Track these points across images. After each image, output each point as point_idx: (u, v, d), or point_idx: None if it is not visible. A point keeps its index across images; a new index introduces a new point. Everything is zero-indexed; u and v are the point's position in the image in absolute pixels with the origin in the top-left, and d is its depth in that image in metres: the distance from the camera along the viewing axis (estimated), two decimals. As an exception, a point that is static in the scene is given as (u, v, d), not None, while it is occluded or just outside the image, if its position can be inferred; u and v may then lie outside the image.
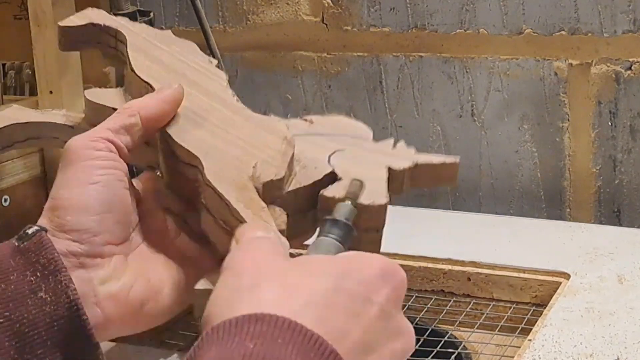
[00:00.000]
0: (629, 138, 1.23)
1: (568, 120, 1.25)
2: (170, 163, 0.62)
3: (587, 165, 1.25)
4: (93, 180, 0.59)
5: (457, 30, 1.29)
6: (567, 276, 0.99)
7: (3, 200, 1.22)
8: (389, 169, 0.63)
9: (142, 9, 1.37)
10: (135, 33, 0.71)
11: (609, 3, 1.20)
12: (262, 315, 0.44)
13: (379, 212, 0.58)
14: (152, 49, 0.70)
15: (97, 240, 0.59)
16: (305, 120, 0.68)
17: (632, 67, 1.21)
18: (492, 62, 1.28)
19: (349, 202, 0.58)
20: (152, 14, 1.36)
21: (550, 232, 1.11)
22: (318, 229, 0.56)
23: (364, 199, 0.58)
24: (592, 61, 1.23)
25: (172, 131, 0.61)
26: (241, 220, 0.55)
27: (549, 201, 1.28)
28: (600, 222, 1.26)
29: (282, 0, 1.37)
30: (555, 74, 1.25)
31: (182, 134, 0.60)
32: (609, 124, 1.23)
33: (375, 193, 0.59)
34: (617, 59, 1.21)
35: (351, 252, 0.52)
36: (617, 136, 1.23)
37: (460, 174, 1.32)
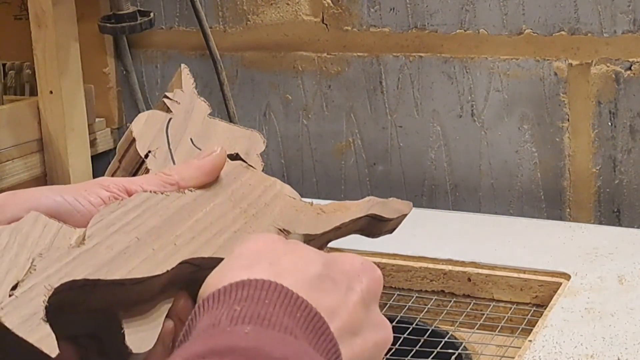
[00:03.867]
0: (629, 138, 1.23)
1: (568, 120, 1.25)
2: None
3: (587, 165, 1.26)
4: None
5: (457, 31, 1.29)
6: (567, 277, 0.99)
7: (3, 200, 1.21)
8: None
9: (142, 9, 1.37)
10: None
11: (609, 3, 1.20)
12: (249, 280, 0.46)
13: None
14: None
15: None
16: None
17: (632, 67, 1.21)
18: (492, 62, 1.28)
19: None
20: (152, 14, 1.36)
21: (550, 232, 1.11)
22: None
23: None
24: (592, 61, 1.23)
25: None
26: None
27: (549, 201, 1.28)
28: (600, 222, 1.26)
29: (282, 1, 1.37)
30: (555, 74, 1.25)
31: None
32: (609, 124, 1.23)
33: None
34: (617, 59, 1.21)
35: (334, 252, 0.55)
36: (617, 136, 1.23)
37: (460, 174, 1.33)
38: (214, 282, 0.48)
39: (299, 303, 0.46)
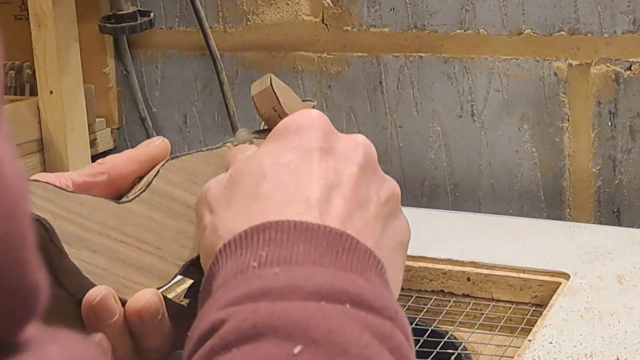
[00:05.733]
0: (629, 138, 1.23)
1: (568, 120, 1.25)
2: None
3: (587, 165, 1.26)
4: None
5: (457, 31, 1.29)
6: (566, 276, 0.99)
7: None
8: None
9: (142, 9, 1.37)
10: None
11: (609, 3, 1.20)
12: (269, 223, 0.46)
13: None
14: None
15: None
16: None
17: (632, 68, 1.21)
18: (492, 62, 1.28)
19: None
20: (152, 14, 1.36)
21: (550, 232, 1.11)
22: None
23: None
24: (591, 61, 1.23)
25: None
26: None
27: (549, 201, 1.28)
28: (600, 222, 1.26)
29: (282, 1, 1.37)
30: (555, 74, 1.25)
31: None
32: (609, 124, 1.23)
33: None
34: (617, 59, 1.21)
35: None
36: (616, 136, 1.23)
37: (460, 173, 1.33)
38: (231, 222, 0.49)
39: (321, 233, 0.46)
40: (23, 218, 0.32)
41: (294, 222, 0.46)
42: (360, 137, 0.54)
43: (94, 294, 0.51)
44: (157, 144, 0.61)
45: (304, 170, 0.50)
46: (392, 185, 0.53)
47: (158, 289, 0.55)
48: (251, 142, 0.60)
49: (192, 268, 0.57)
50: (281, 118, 0.64)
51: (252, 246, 0.46)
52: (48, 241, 0.50)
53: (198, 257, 0.55)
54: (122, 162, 0.60)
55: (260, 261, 0.45)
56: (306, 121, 0.52)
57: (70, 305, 0.52)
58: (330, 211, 0.48)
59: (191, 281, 0.60)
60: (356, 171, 0.51)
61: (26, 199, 0.32)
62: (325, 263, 0.45)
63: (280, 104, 0.64)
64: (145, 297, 0.53)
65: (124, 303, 0.52)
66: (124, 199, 0.57)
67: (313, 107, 0.67)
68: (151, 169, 0.59)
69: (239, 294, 0.43)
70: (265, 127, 0.65)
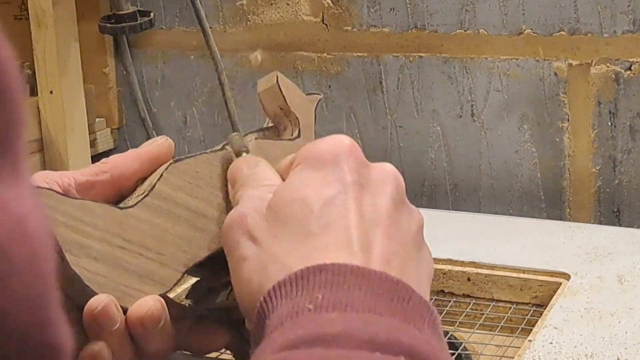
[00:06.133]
0: (629, 138, 1.23)
1: (568, 120, 1.25)
2: None
3: (587, 165, 1.26)
4: None
5: (457, 31, 1.29)
6: (567, 276, 0.99)
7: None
8: None
9: (142, 9, 1.37)
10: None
11: (609, 3, 1.20)
12: (325, 265, 0.46)
13: None
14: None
15: None
16: None
17: (632, 67, 1.21)
18: (492, 62, 1.28)
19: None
20: (152, 14, 1.36)
21: (550, 232, 1.11)
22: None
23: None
24: (591, 61, 1.23)
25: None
26: None
27: (549, 201, 1.28)
28: (600, 222, 1.26)
29: (282, 1, 1.37)
30: (555, 74, 1.25)
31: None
32: (609, 124, 1.23)
33: None
34: (617, 59, 1.21)
35: None
36: (616, 136, 1.23)
37: (460, 174, 1.33)
38: (283, 260, 0.48)
39: (377, 279, 0.46)
40: (47, 276, 0.31)
41: (351, 267, 0.47)
42: (389, 167, 0.54)
43: (95, 303, 0.51)
44: (160, 143, 0.60)
45: (347, 207, 0.50)
46: (418, 216, 0.54)
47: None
48: (246, 149, 0.59)
49: (195, 268, 0.57)
50: (287, 116, 0.64)
51: (307, 287, 0.46)
52: None
53: (203, 258, 0.55)
54: (125, 161, 0.59)
55: (316, 304, 0.45)
56: (340, 149, 0.52)
57: (71, 313, 0.52)
58: (375, 251, 0.49)
59: (193, 280, 0.60)
60: (391, 205, 0.51)
61: (51, 255, 0.32)
62: (380, 311, 0.45)
63: (286, 102, 0.63)
64: (147, 304, 0.53)
65: (125, 310, 0.52)
66: (126, 202, 0.56)
67: (319, 100, 0.67)
68: (155, 169, 0.59)
69: (294, 337, 0.43)
70: (270, 125, 0.65)
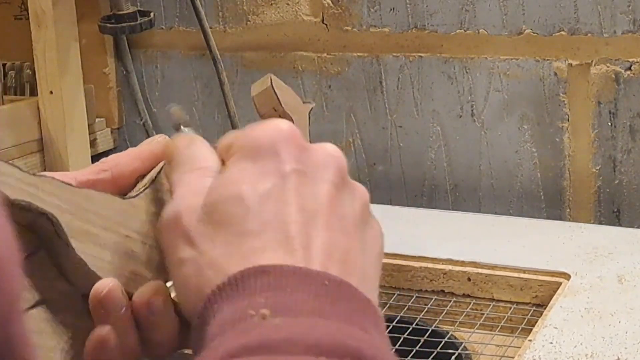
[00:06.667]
0: (629, 138, 1.23)
1: (568, 120, 1.25)
2: None
3: (587, 165, 1.26)
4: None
5: (457, 31, 1.29)
6: (567, 276, 0.99)
7: (3, 200, 1.22)
8: None
9: (142, 9, 1.37)
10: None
11: (609, 3, 1.20)
12: (267, 267, 0.45)
13: None
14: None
15: None
16: None
17: (632, 68, 1.21)
18: (492, 62, 1.28)
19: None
20: (152, 14, 1.36)
21: (550, 232, 1.11)
22: None
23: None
24: (591, 61, 1.23)
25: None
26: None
27: (549, 201, 1.29)
28: (600, 222, 1.26)
29: (282, 1, 1.37)
30: (555, 74, 1.25)
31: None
32: (609, 124, 1.23)
33: None
34: (617, 59, 1.21)
35: None
36: (616, 136, 1.23)
37: (460, 174, 1.33)
38: (221, 263, 0.46)
39: (320, 280, 0.45)
40: (9, 292, 0.30)
41: (292, 268, 0.45)
42: (330, 148, 0.51)
43: (101, 286, 0.51)
44: (159, 141, 0.60)
45: (285, 201, 0.48)
46: (361, 193, 0.52)
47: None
48: (185, 122, 0.59)
49: None
50: (282, 117, 0.64)
51: (249, 291, 0.44)
52: (54, 235, 0.50)
53: None
54: (125, 160, 0.59)
55: (258, 309, 0.43)
56: (278, 136, 0.50)
57: (77, 300, 0.52)
58: (315, 247, 0.47)
59: None
60: (332, 189, 0.49)
61: (16, 270, 0.31)
62: (325, 314, 0.44)
63: (280, 104, 0.64)
64: (153, 287, 0.53)
65: (130, 297, 0.53)
66: (128, 195, 0.57)
67: (311, 109, 0.67)
68: (154, 167, 0.59)
69: (237, 345, 0.42)
70: None
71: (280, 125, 0.51)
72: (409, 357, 0.91)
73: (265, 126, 0.51)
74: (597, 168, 1.25)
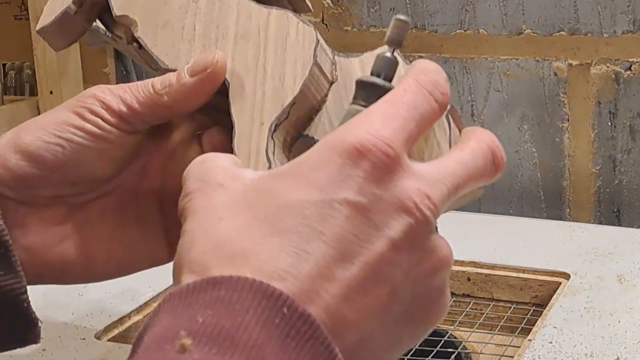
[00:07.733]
0: (629, 138, 1.23)
1: (568, 120, 1.25)
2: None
3: (586, 165, 1.26)
4: (54, 139, 0.56)
5: (457, 31, 1.29)
6: (567, 276, 0.99)
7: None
8: None
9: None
10: None
11: (609, 3, 1.20)
12: (222, 278, 0.37)
13: None
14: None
15: (30, 192, 0.56)
16: None
17: (632, 68, 1.21)
18: (492, 62, 1.28)
19: (387, 52, 0.50)
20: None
21: (550, 232, 1.11)
22: None
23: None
24: (591, 61, 1.23)
25: None
26: None
27: (549, 201, 1.28)
28: (600, 222, 1.26)
29: (282, 1, 1.37)
30: (555, 74, 1.25)
31: None
32: (609, 124, 1.23)
33: None
34: (617, 59, 1.21)
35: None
36: (616, 136, 1.24)
37: (460, 174, 1.33)
38: (201, 260, 0.40)
39: (280, 304, 0.36)
40: None
41: (251, 281, 0.37)
42: (418, 198, 0.42)
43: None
44: (219, 62, 0.60)
45: (323, 229, 0.39)
46: (436, 260, 0.43)
47: None
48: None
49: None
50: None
51: (194, 305, 0.37)
52: None
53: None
54: (185, 96, 0.60)
55: (191, 330, 0.35)
56: (363, 147, 0.41)
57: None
58: (323, 290, 0.38)
59: None
60: (384, 248, 0.40)
61: None
62: (264, 348, 0.35)
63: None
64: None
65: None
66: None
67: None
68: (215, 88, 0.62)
69: None
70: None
71: (380, 131, 0.43)
72: (408, 357, 0.91)
73: (358, 132, 0.44)
74: (597, 168, 1.25)
